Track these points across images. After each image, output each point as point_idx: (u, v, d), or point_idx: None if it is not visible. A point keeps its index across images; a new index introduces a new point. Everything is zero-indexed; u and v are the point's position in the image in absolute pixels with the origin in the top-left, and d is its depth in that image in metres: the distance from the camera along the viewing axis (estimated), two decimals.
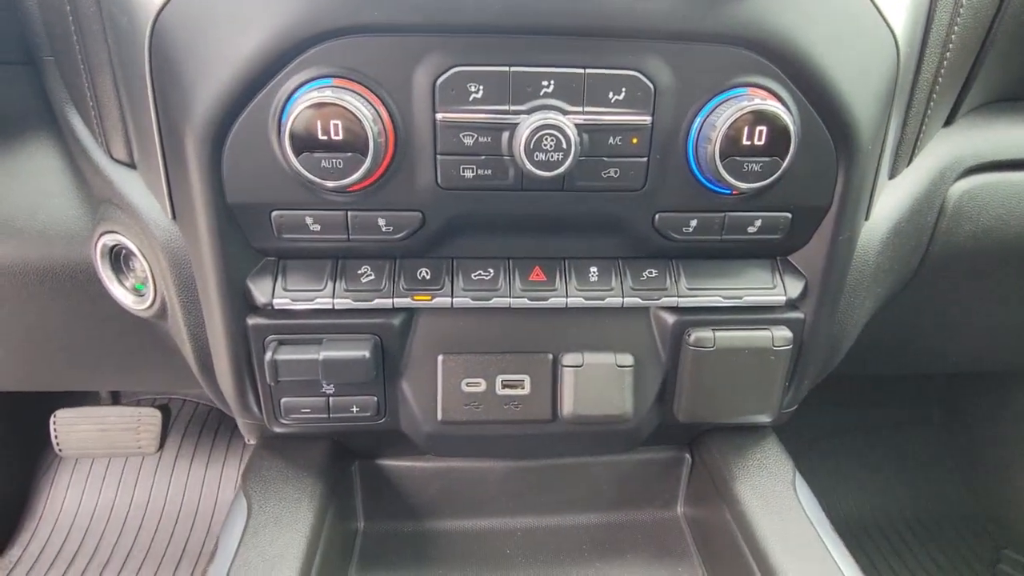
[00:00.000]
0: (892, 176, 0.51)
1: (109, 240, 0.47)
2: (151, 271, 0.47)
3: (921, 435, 1.22)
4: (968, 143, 0.57)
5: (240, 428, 0.58)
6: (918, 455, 1.21)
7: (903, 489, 1.18)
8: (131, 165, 0.46)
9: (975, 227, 0.58)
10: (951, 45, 0.48)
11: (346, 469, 0.59)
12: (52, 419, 1.06)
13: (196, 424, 1.16)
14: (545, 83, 0.39)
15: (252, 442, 0.59)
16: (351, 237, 0.43)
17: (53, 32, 0.45)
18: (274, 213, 0.42)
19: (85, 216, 0.50)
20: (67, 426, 1.07)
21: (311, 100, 0.37)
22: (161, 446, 1.10)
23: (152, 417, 1.09)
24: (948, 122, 0.56)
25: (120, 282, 0.49)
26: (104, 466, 1.13)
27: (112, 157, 0.46)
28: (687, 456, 0.62)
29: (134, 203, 0.45)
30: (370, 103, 0.38)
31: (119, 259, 0.49)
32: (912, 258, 0.57)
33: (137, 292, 0.48)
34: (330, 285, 0.45)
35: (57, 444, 1.08)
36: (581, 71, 0.39)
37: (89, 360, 0.65)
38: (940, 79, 0.49)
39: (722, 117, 0.39)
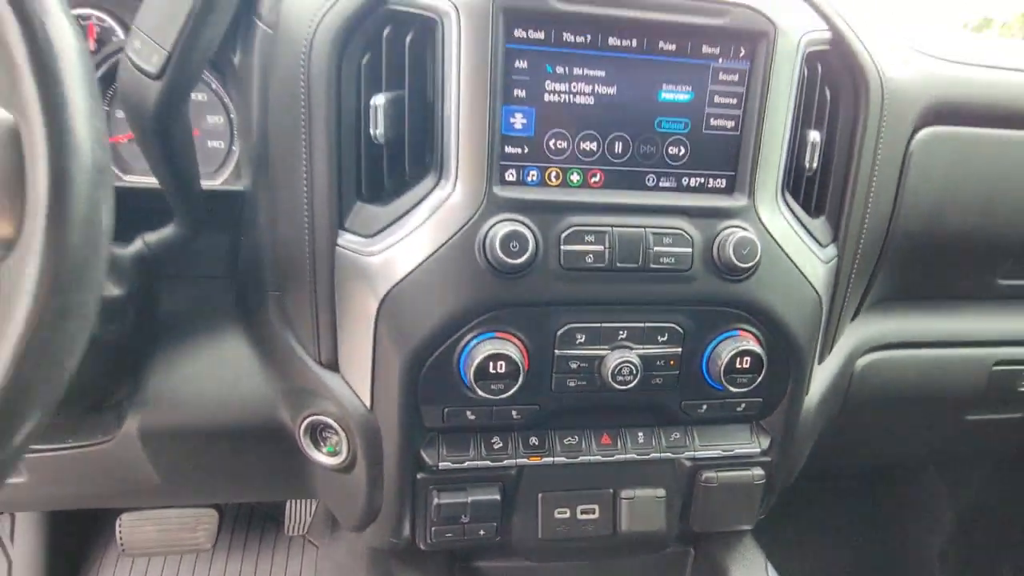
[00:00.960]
0: (820, 362, 0.79)
1: (313, 420, 0.68)
2: (347, 440, 0.68)
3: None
4: (869, 331, 0.87)
5: (366, 538, 0.77)
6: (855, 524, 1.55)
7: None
8: (335, 369, 0.67)
9: (874, 388, 0.87)
10: (855, 265, 0.77)
11: (452, 568, 0.81)
12: (118, 521, 1.20)
13: (243, 521, 1.30)
14: (621, 333, 0.65)
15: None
16: (492, 422, 0.66)
17: (285, 271, 0.66)
18: (447, 409, 0.65)
19: (275, 390, 0.70)
20: (132, 527, 1.21)
21: (487, 352, 0.60)
22: (215, 542, 1.24)
23: (209, 517, 1.24)
24: (854, 317, 0.85)
25: (317, 448, 0.70)
26: (161, 562, 1.26)
27: (320, 362, 0.67)
28: (691, 550, 0.87)
29: (338, 396, 0.67)
30: (517, 347, 0.62)
31: (316, 431, 0.69)
32: (834, 410, 0.86)
33: (330, 454, 0.69)
34: (474, 451, 0.68)
35: (121, 544, 1.20)
36: (643, 325, 0.65)
37: (241, 480, 0.84)
38: (848, 292, 0.78)
39: (724, 351, 0.66)
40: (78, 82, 0.34)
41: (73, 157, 0.34)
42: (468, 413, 0.65)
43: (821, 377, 0.79)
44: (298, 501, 1.33)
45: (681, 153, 0.64)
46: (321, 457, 0.69)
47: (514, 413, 0.66)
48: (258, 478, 0.83)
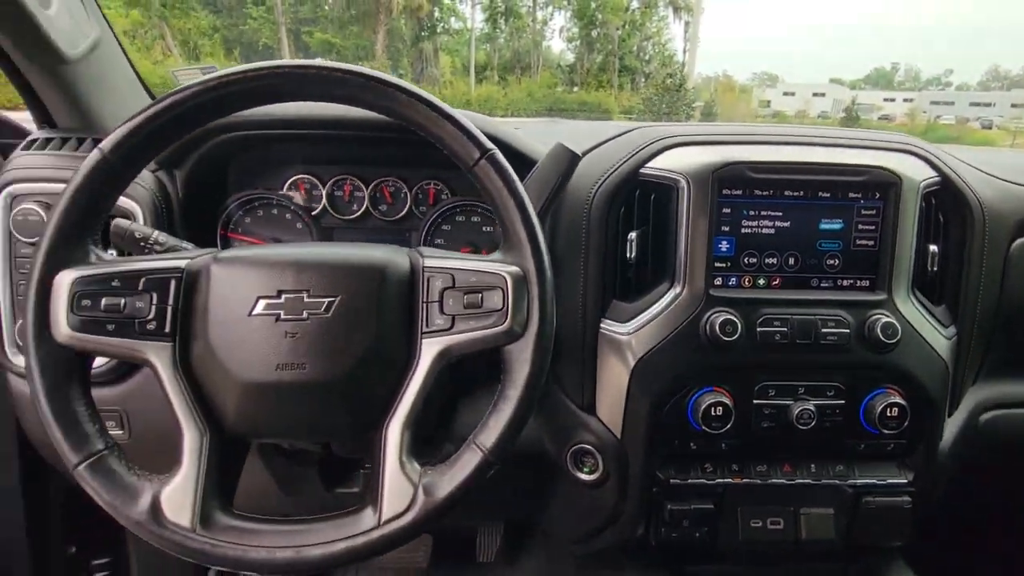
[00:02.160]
0: (949, 415, 1.02)
1: (576, 448, 0.98)
2: (602, 463, 0.97)
3: None
4: (989, 392, 1.08)
5: (602, 540, 1.05)
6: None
7: None
8: (593, 412, 0.98)
9: (998, 440, 1.08)
10: (971, 341, 1.01)
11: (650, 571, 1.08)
12: None
13: (448, 545, 1.60)
14: (801, 389, 0.92)
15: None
16: (708, 451, 0.95)
17: (560, 344, 0.99)
18: (677, 440, 0.94)
19: (540, 427, 1.02)
20: None
21: (708, 401, 0.89)
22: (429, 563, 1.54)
23: (426, 538, 1.55)
24: (975, 381, 1.08)
25: (579, 469, 1.00)
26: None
27: (582, 407, 0.98)
28: (850, 567, 1.09)
29: (596, 431, 0.97)
30: (728, 398, 0.91)
31: (577, 456, 1.00)
32: (966, 455, 1.07)
33: (588, 473, 0.99)
34: (694, 472, 0.96)
35: None
36: (816, 383, 0.92)
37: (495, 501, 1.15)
38: (967, 361, 1.02)
39: (877, 404, 0.92)
40: (544, 248, 0.69)
41: (548, 290, 0.68)
42: (691, 444, 0.94)
43: (951, 428, 1.02)
44: (484, 531, 1.61)
45: (836, 263, 0.93)
46: (582, 476, 0.99)
47: (723, 445, 0.94)
48: (512, 499, 1.14)
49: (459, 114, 0.69)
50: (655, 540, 0.99)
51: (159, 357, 0.65)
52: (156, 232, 0.81)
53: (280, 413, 0.66)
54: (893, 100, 51.89)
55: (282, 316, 0.65)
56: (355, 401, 0.67)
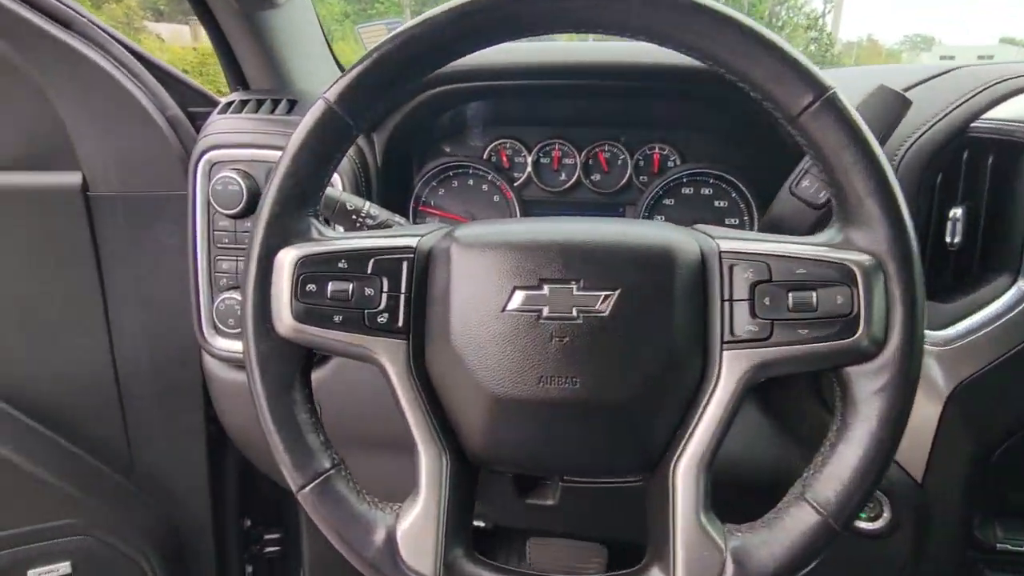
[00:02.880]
0: None
1: None
2: (891, 509, 0.76)
3: None
4: None
5: None
6: None
7: None
8: None
9: None
10: None
11: None
12: (528, 543, 1.41)
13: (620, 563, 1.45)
14: None
15: None
16: None
17: None
18: (1012, 494, 0.70)
19: None
20: (538, 549, 1.41)
21: None
22: None
23: (600, 553, 1.40)
24: None
25: None
26: None
27: None
28: None
29: (888, 475, 0.75)
30: None
31: None
32: None
33: (866, 520, 0.78)
34: None
35: (529, 562, 1.41)
36: None
37: None
38: None
39: None
40: (910, 227, 0.48)
41: (918, 288, 0.47)
42: None
43: None
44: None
45: None
46: (859, 523, 0.78)
47: None
48: None
49: (786, 44, 0.49)
50: None
51: (391, 358, 0.52)
52: (368, 204, 0.69)
53: (541, 441, 0.51)
54: None
55: (545, 314, 0.49)
56: (640, 431, 0.50)
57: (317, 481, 0.51)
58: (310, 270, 0.52)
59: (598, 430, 0.50)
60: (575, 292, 0.49)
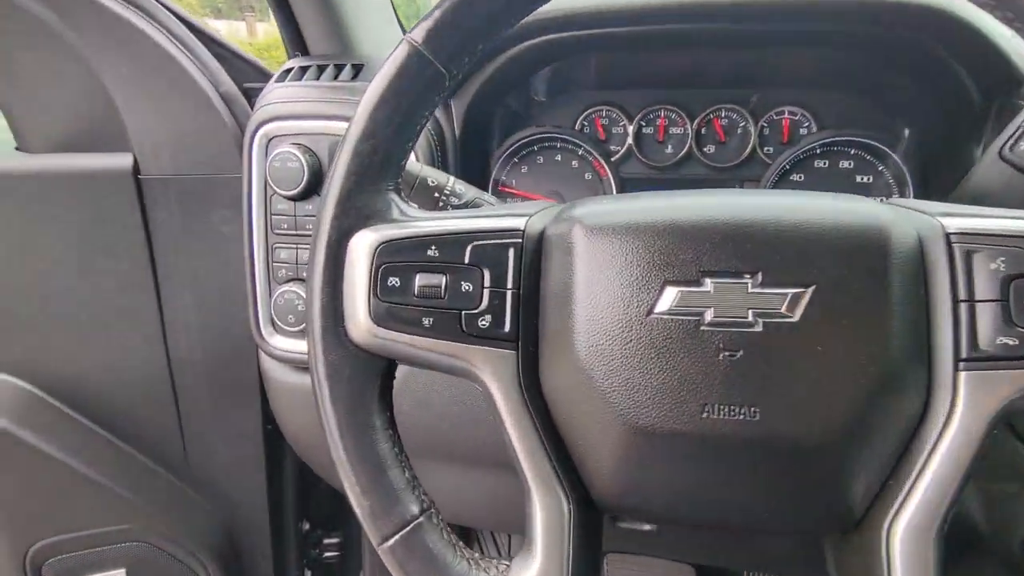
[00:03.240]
0: None
1: None
2: None
3: None
4: None
5: None
6: None
7: None
8: None
9: None
10: None
11: None
12: (606, 560, 1.29)
13: None
14: None
15: None
16: None
17: None
18: None
19: None
20: (615, 567, 1.29)
21: None
22: None
23: (686, 573, 1.27)
24: None
25: None
26: None
27: None
28: None
29: None
30: None
31: None
32: None
33: None
34: None
35: None
36: None
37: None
38: None
39: None
40: None
41: None
42: None
43: None
44: None
45: None
46: None
47: None
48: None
49: None
50: None
51: (496, 373, 0.40)
52: (453, 180, 0.57)
53: (699, 487, 0.38)
54: None
55: (709, 319, 0.36)
56: (841, 480, 0.37)
57: (404, 531, 0.40)
58: (393, 259, 0.40)
59: (781, 476, 0.37)
60: (751, 289, 0.36)
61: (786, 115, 0.74)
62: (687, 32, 0.65)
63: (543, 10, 0.65)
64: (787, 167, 0.75)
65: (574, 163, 0.80)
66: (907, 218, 0.38)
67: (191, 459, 1.05)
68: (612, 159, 0.78)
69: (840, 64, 0.71)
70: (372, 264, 0.40)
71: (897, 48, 0.63)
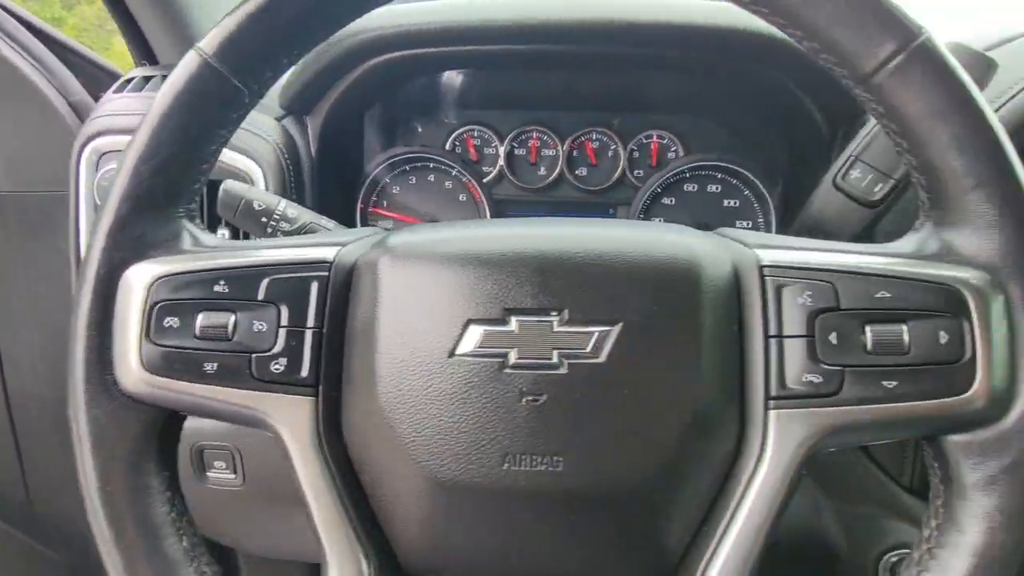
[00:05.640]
0: None
1: (895, 556, 0.63)
2: None
3: None
4: None
5: None
6: None
7: None
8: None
9: None
10: None
11: None
12: None
13: None
14: None
15: None
16: None
17: None
18: None
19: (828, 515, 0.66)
20: None
21: None
22: None
23: None
24: None
25: None
26: None
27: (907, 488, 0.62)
28: None
29: None
30: None
31: (894, 568, 0.64)
32: None
33: None
34: None
35: None
36: None
37: None
38: None
39: None
40: None
41: None
42: None
43: None
44: None
45: None
46: None
47: None
48: None
49: None
50: None
51: (291, 423, 0.36)
52: (283, 202, 0.53)
53: (505, 543, 0.35)
54: None
55: (513, 360, 0.34)
56: (653, 528, 0.35)
57: None
58: (172, 296, 0.36)
59: (590, 528, 0.34)
60: (556, 328, 0.34)
61: (655, 139, 0.74)
62: (533, 53, 0.64)
63: (386, 25, 0.63)
64: (658, 191, 0.75)
65: (448, 184, 0.77)
66: (725, 249, 0.37)
67: (36, 506, 0.94)
68: (484, 181, 0.76)
69: (699, 90, 0.72)
70: (146, 302, 0.35)
71: (748, 76, 0.64)
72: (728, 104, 0.72)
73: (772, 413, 0.34)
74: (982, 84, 0.46)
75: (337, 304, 0.37)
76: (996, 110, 0.55)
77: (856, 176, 0.50)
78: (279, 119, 0.67)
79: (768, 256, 0.36)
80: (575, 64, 0.69)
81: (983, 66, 0.46)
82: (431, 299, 0.35)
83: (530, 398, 0.33)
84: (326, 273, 0.37)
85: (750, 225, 0.75)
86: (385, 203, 0.78)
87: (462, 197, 0.78)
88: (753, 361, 0.35)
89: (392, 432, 0.34)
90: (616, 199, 0.76)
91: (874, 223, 0.51)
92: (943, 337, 0.32)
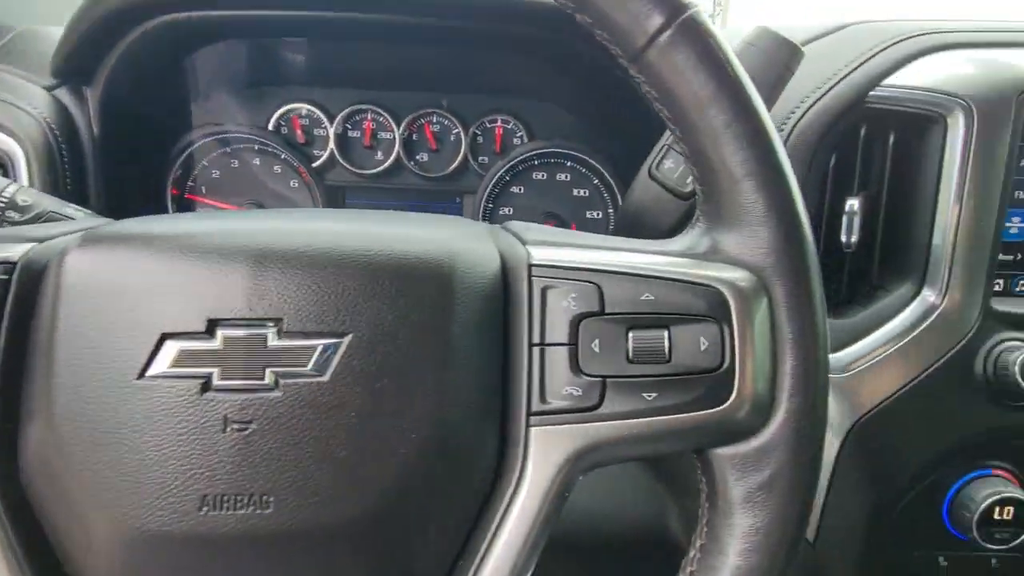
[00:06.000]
0: None
1: None
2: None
3: None
4: None
5: None
6: None
7: None
8: None
9: None
10: None
11: None
12: None
13: None
14: None
15: None
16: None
17: None
18: (916, 553, 0.57)
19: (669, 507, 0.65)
20: None
21: (992, 494, 0.52)
22: None
23: None
24: None
25: None
26: None
27: None
28: None
29: None
30: (1021, 488, 0.53)
31: None
32: None
33: None
34: None
35: None
36: None
37: None
38: None
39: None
40: (806, 222, 0.31)
41: (819, 321, 0.30)
42: (942, 559, 0.56)
43: None
44: None
45: None
46: None
47: (994, 561, 0.56)
48: None
49: None
50: None
51: None
52: (12, 186, 0.44)
53: None
54: None
55: (217, 381, 0.28)
56: (401, 562, 0.30)
57: None
58: None
59: (312, 572, 0.29)
60: (271, 343, 0.28)
61: (499, 123, 0.70)
62: (348, 24, 0.57)
63: None
64: (506, 178, 0.70)
65: (276, 168, 0.70)
66: (495, 243, 0.33)
67: None
68: (314, 165, 0.69)
69: (537, 71, 0.68)
70: None
71: (579, 57, 0.61)
72: (569, 88, 0.69)
73: (533, 431, 0.30)
74: (785, 75, 0.44)
75: (23, 314, 0.30)
76: (818, 99, 0.54)
77: (669, 166, 0.47)
78: (50, 89, 0.57)
79: (539, 254, 0.32)
80: (403, 38, 0.63)
81: (787, 53, 0.44)
82: (118, 309, 0.28)
83: (236, 427, 0.28)
84: (6, 277, 0.30)
85: (600, 216, 0.72)
86: (203, 190, 0.70)
87: (293, 183, 0.70)
88: (516, 373, 0.31)
89: (71, 470, 0.28)
90: (462, 187, 0.71)
91: (689, 214, 0.48)
92: (703, 343, 0.30)
